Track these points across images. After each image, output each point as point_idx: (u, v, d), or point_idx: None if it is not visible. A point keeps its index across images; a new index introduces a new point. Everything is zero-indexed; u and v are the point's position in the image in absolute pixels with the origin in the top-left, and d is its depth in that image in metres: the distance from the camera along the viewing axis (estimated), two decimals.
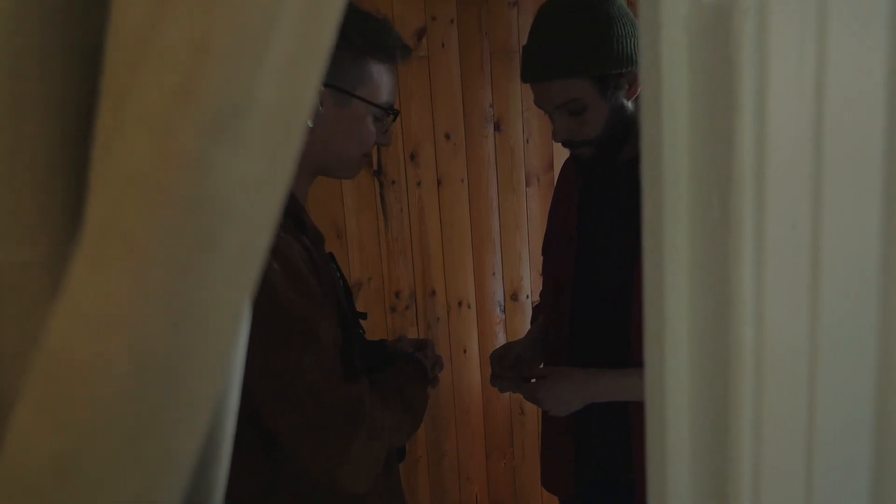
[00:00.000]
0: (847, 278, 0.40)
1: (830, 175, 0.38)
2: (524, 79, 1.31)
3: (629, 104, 1.29)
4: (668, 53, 0.37)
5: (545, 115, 1.36)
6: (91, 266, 0.31)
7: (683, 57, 0.38)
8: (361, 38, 1.07)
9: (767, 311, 0.39)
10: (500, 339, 2.48)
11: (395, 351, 1.36)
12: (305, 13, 0.31)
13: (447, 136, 2.33)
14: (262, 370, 0.97)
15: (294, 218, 1.10)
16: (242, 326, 0.41)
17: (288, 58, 0.31)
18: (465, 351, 2.46)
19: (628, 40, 1.23)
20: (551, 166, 2.40)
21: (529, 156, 2.40)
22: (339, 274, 1.25)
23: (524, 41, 1.32)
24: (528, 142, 2.39)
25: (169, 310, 0.31)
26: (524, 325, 2.45)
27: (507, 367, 1.48)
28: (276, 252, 1.00)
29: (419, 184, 2.33)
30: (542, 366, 1.55)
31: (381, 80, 1.12)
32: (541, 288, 1.66)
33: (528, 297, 2.48)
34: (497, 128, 2.36)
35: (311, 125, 1.08)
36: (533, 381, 1.38)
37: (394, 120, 1.19)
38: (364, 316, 1.31)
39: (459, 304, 2.43)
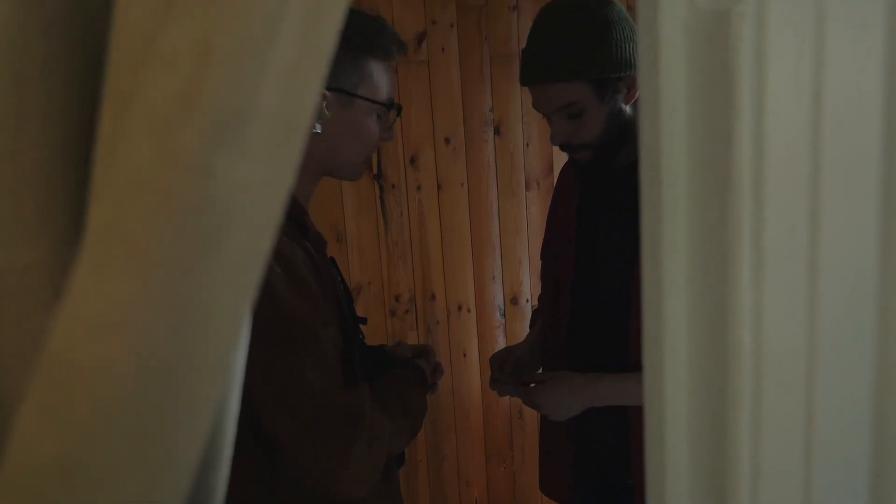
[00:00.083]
0: (845, 280, 0.40)
1: (828, 178, 0.38)
2: (523, 82, 1.31)
3: (627, 108, 1.29)
4: (666, 57, 0.38)
5: (544, 119, 1.36)
6: (93, 269, 0.31)
7: (682, 61, 0.38)
8: (359, 38, 1.07)
9: (766, 314, 0.39)
10: (500, 343, 2.48)
11: (394, 356, 1.36)
12: (307, 18, 0.31)
13: (447, 141, 2.33)
14: (263, 374, 0.97)
15: (297, 222, 1.10)
16: (243, 329, 0.41)
17: (290, 63, 0.31)
18: (464, 355, 2.45)
19: (627, 44, 1.23)
20: (551, 170, 2.40)
21: (529, 160, 2.40)
22: (340, 278, 1.25)
23: (524, 45, 1.32)
24: (528, 146, 2.39)
25: (171, 312, 0.32)
26: (524, 329, 2.45)
27: (508, 372, 1.48)
28: (279, 256, 1.00)
29: (419, 188, 2.34)
30: (541, 370, 1.55)
31: (381, 77, 1.13)
32: (540, 292, 1.66)
33: (528, 301, 2.48)
34: (497, 132, 2.36)
35: (319, 130, 1.08)
36: (532, 385, 1.38)
37: (398, 115, 1.19)
38: (364, 321, 1.31)
39: (459, 307, 2.43)
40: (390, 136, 1.19)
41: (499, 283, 2.45)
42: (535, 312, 1.76)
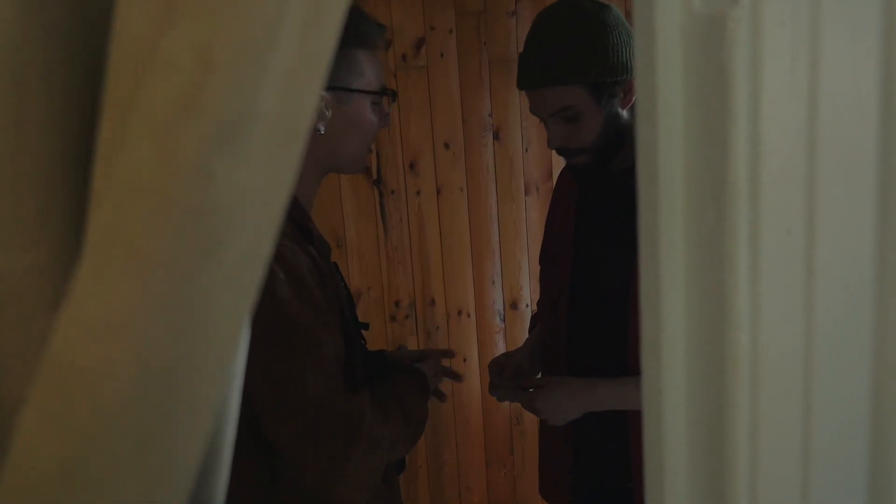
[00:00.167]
0: (841, 282, 0.40)
1: (824, 180, 0.39)
2: (520, 85, 1.32)
3: (624, 113, 1.29)
4: (663, 62, 0.38)
5: (543, 125, 1.36)
6: (94, 272, 0.31)
7: (678, 64, 0.38)
8: (345, 32, 1.06)
9: (763, 316, 0.39)
10: (500, 348, 2.48)
11: (395, 361, 1.35)
12: (307, 23, 0.31)
13: (446, 146, 2.33)
14: (263, 379, 0.97)
15: (301, 227, 1.10)
16: (244, 332, 0.42)
17: (290, 68, 0.31)
18: (464, 360, 2.45)
19: (623, 49, 1.24)
20: (550, 175, 2.41)
21: (528, 165, 2.41)
22: (343, 284, 1.25)
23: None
24: (526, 151, 2.40)
25: (171, 315, 0.32)
26: (524, 333, 2.45)
27: (507, 378, 1.48)
28: (282, 261, 1.00)
29: (418, 193, 2.34)
30: (539, 375, 1.55)
31: (370, 66, 1.13)
32: (539, 296, 1.66)
33: (527, 305, 2.48)
34: (496, 137, 2.37)
35: (322, 131, 1.08)
36: (531, 390, 1.38)
37: (393, 100, 1.20)
38: (366, 326, 1.31)
39: (459, 312, 2.43)
40: (388, 123, 1.20)
41: (498, 288, 2.45)
42: (534, 317, 1.76)
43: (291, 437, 1.00)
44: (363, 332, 1.29)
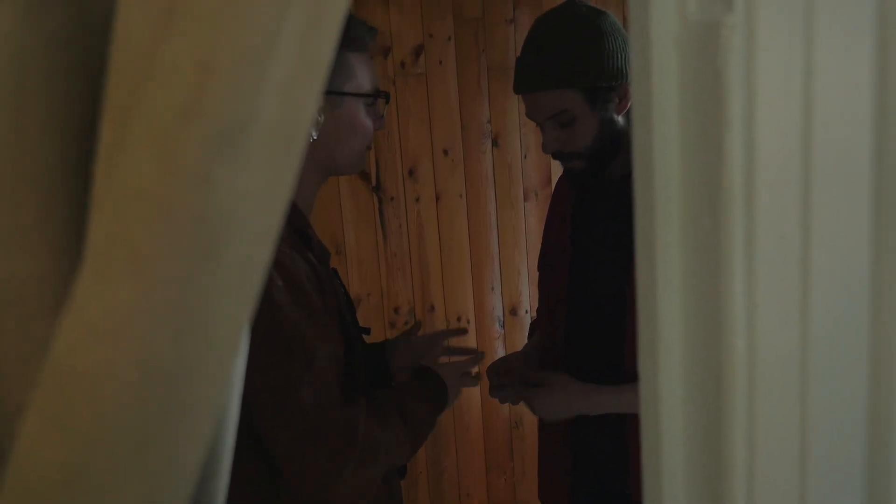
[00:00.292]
0: (837, 287, 0.40)
1: (819, 186, 0.39)
2: (516, 90, 1.33)
3: (619, 118, 1.30)
4: (658, 68, 0.38)
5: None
6: (96, 278, 0.32)
7: (673, 71, 0.38)
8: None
9: (759, 321, 0.39)
10: (500, 354, 2.48)
11: (415, 366, 1.34)
12: (306, 31, 0.32)
13: (445, 152, 2.34)
14: (261, 386, 0.97)
15: (300, 233, 1.11)
16: (243, 337, 0.42)
17: (289, 75, 0.32)
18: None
19: (619, 55, 1.25)
20: (549, 181, 2.41)
21: (527, 171, 2.41)
22: (343, 290, 1.25)
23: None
24: (525, 157, 2.40)
25: (172, 320, 0.32)
26: (523, 340, 2.45)
27: (505, 375, 1.48)
28: (280, 267, 1.00)
29: (418, 199, 2.34)
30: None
31: (362, 69, 1.13)
32: (538, 303, 1.66)
33: (527, 311, 2.48)
34: (495, 143, 2.37)
35: (315, 137, 1.08)
36: (531, 386, 1.38)
37: (387, 102, 1.20)
38: (367, 331, 1.31)
39: (458, 319, 2.43)
40: (383, 125, 1.20)
41: (498, 294, 2.45)
42: (533, 323, 1.76)
43: (285, 446, 1.00)
44: (364, 337, 1.29)
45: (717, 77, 0.37)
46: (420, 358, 1.46)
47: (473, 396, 2.48)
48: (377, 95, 1.16)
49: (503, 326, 2.48)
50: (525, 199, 2.43)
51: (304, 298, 1.01)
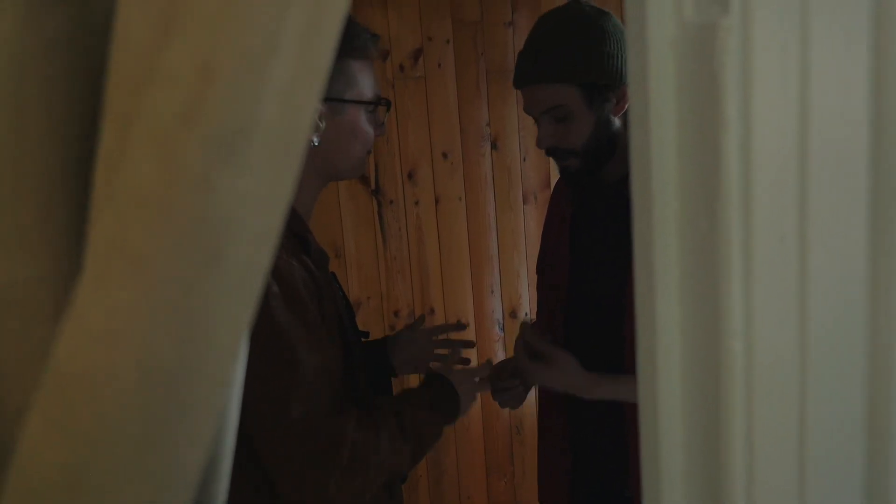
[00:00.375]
0: (834, 288, 0.41)
1: (816, 188, 0.39)
2: (515, 83, 1.33)
3: (616, 120, 1.30)
4: (655, 70, 0.38)
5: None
6: (97, 281, 0.32)
7: (670, 74, 0.39)
8: (338, 43, 1.06)
9: (757, 324, 0.40)
10: (500, 357, 2.48)
11: (416, 361, 1.32)
12: (305, 36, 0.32)
13: (444, 155, 2.34)
14: (251, 394, 0.96)
15: (299, 238, 1.10)
16: (243, 341, 0.42)
17: (289, 79, 0.32)
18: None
19: (619, 57, 1.25)
20: (548, 184, 2.41)
21: (526, 174, 2.42)
22: (342, 294, 1.25)
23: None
24: (524, 160, 2.40)
25: (173, 324, 0.32)
26: None
27: (507, 378, 1.48)
28: (276, 274, 1.00)
29: (417, 203, 2.35)
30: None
31: (364, 76, 1.13)
32: (537, 306, 1.66)
33: (526, 314, 2.48)
34: (494, 146, 2.37)
35: (316, 143, 1.08)
36: (534, 362, 1.38)
37: (388, 110, 1.20)
38: (366, 335, 1.31)
39: (458, 321, 2.43)
40: (383, 132, 1.20)
41: (497, 297, 2.45)
42: (532, 326, 1.76)
43: (275, 456, 1.01)
44: (364, 340, 1.29)
45: (713, 79, 0.37)
46: (421, 352, 1.45)
47: None
48: (378, 103, 1.16)
49: (503, 329, 2.48)
50: (524, 202, 2.43)
51: (298, 306, 1.01)
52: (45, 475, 0.33)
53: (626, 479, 1.36)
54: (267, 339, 0.96)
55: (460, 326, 1.49)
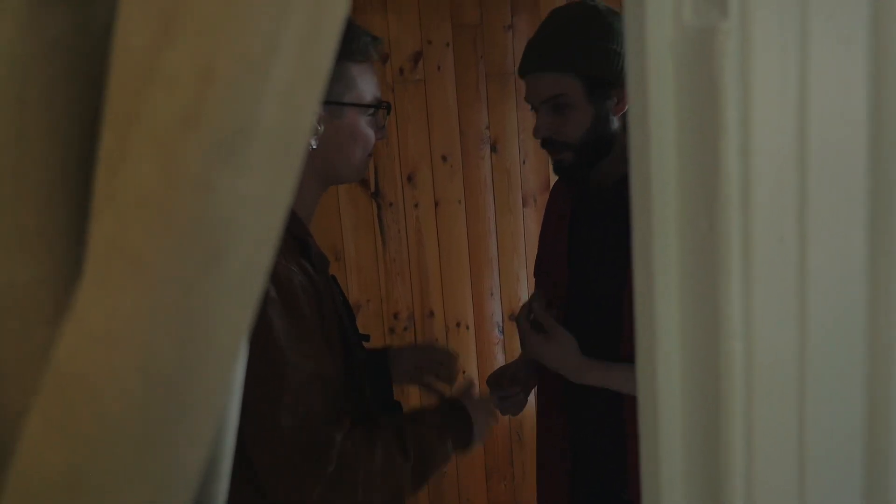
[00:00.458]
0: (834, 289, 0.41)
1: (815, 189, 0.39)
2: (520, 71, 1.34)
3: (615, 120, 1.31)
4: (654, 72, 0.39)
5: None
6: (97, 284, 0.32)
7: (669, 76, 0.39)
8: (338, 45, 1.05)
9: (756, 324, 0.40)
10: (499, 360, 2.48)
11: (443, 400, 1.28)
12: (305, 39, 0.32)
13: (444, 158, 2.34)
14: (245, 397, 0.95)
15: (299, 241, 1.10)
16: (243, 343, 0.42)
17: (289, 82, 0.32)
18: (463, 372, 2.45)
19: (624, 56, 1.26)
20: (548, 187, 2.42)
21: (526, 177, 2.42)
22: (342, 298, 1.25)
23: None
24: (524, 163, 2.41)
25: (174, 326, 0.32)
26: None
27: (507, 387, 1.48)
28: (275, 279, 1.00)
29: (416, 205, 2.35)
30: (534, 383, 1.55)
31: (364, 79, 1.13)
32: None
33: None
34: (493, 149, 2.38)
35: (315, 146, 1.08)
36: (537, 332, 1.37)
37: (388, 113, 1.20)
38: (367, 338, 1.30)
39: (458, 325, 2.43)
40: (384, 135, 1.20)
41: (497, 300, 2.45)
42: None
43: (263, 462, 1.00)
44: (364, 343, 1.29)
45: (712, 81, 0.37)
46: (420, 366, 1.45)
47: None
48: (378, 106, 1.15)
49: (502, 332, 2.48)
50: (524, 205, 2.43)
51: (296, 311, 1.01)
52: (45, 476, 0.33)
53: (625, 481, 1.36)
54: (262, 344, 0.96)
55: (453, 358, 1.48)
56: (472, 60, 2.31)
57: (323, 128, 1.08)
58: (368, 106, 1.13)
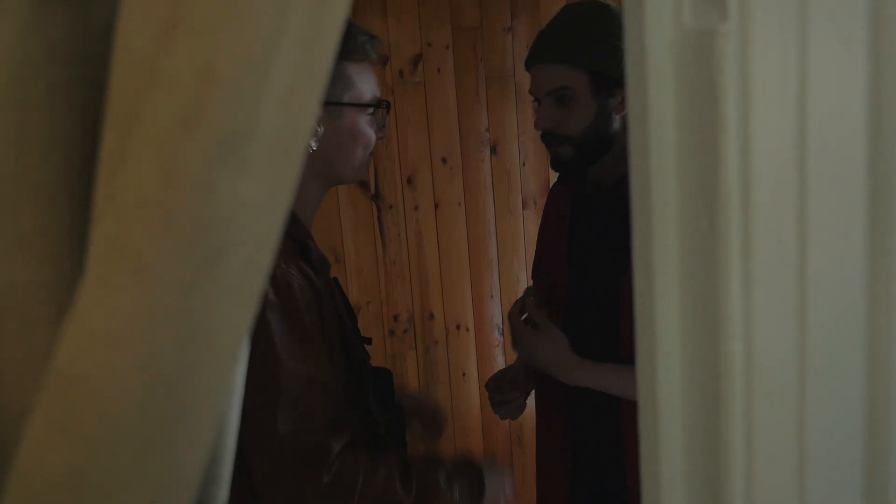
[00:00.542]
0: (833, 290, 0.41)
1: (815, 191, 0.39)
2: (527, 62, 1.34)
3: (617, 119, 1.31)
4: (654, 73, 0.39)
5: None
6: (99, 285, 0.32)
7: (669, 78, 0.39)
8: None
9: (756, 325, 0.40)
10: (499, 363, 2.48)
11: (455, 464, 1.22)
12: (305, 40, 0.32)
13: (444, 160, 2.34)
14: (244, 402, 0.94)
15: (299, 244, 1.09)
16: (244, 344, 0.42)
17: (289, 83, 0.32)
18: (463, 374, 2.45)
19: None
20: (547, 189, 2.42)
21: (526, 179, 2.42)
22: (344, 300, 1.24)
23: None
24: (524, 165, 2.41)
25: (175, 327, 0.32)
26: None
27: (507, 391, 1.48)
28: (274, 283, 0.99)
29: (416, 207, 2.35)
30: (532, 390, 1.55)
31: (362, 79, 1.12)
32: None
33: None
34: (493, 151, 2.38)
35: (315, 147, 1.08)
36: (530, 328, 1.37)
37: (387, 111, 1.19)
38: (369, 341, 1.30)
39: (458, 327, 2.43)
40: (385, 134, 1.19)
41: (497, 302, 2.45)
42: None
43: (258, 466, 0.99)
44: (367, 346, 1.28)
45: (712, 83, 0.37)
46: (408, 412, 1.40)
47: (473, 405, 2.48)
48: (377, 105, 1.15)
49: (502, 334, 2.48)
50: (524, 207, 2.43)
51: (295, 315, 1.00)
52: (46, 476, 0.33)
53: (624, 482, 1.36)
54: (261, 348, 0.95)
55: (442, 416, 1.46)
56: (472, 63, 2.31)
57: (322, 129, 1.08)
58: (367, 105, 1.13)
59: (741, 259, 0.39)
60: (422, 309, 2.39)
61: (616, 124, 1.31)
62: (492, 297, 2.44)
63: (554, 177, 2.41)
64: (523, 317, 1.38)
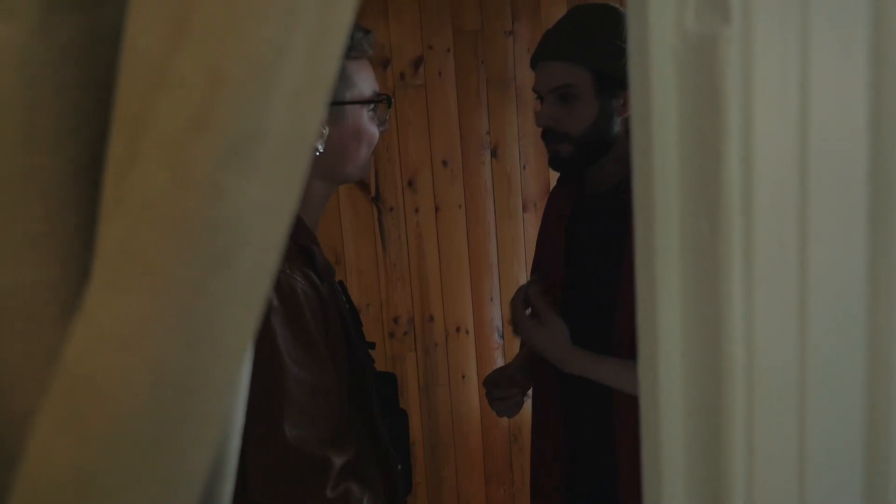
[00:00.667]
0: (834, 294, 0.41)
1: (816, 195, 0.40)
2: (533, 60, 1.34)
3: (618, 121, 1.31)
4: (656, 78, 0.39)
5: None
6: (107, 286, 0.32)
7: (672, 83, 0.39)
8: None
9: (757, 329, 0.40)
10: (499, 365, 2.48)
11: None
12: (312, 44, 0.33)
13: (444, 163, 2.35)
14: (248, 409, 0.93)
15: (304, 249, 1.09)
16: (250, 345, 0.42)
17: (297, 85, 0.32)
18: (463, 377, 2.45)
19: None
20: (548, 192, 2.42)
21: (526, 182, 2.42)
22: (349, 305, 1.24)
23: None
24: (524, 168, 2.41)
25: (183, 328, 0.33)
26: None
27: (504, 388, 1.48)
28: (278, 288, 0.99)
29: (417, 210, 2.35)
30: (530, 386, 1.55)
31: (361, 75, 1.12)
32: None
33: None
34: (494, 154, 2.38)
35: (321, 150, 1.07)
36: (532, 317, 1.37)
37: (389, 106, 1.19)
38: (372, 346, 1.29)
39: (458, 329, 2.43)
40: (387, 128, 1.19)
41: (497, 305, 2.45)
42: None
43: (257, 472, 0.98)
44: (370, 351, 1.28)
45: (714, 88, 0.38)
46: None
47: (472, 408, 2.48)
48: (378, 100, 1.15)
49: (502, 336, 2.48)
50: (524, 210, 2.43)
51: (299, 320, 1.00)
52: (54, 476, 0.33)
53: (618, 484, 1.36)
54: (264, 353, 0.95)
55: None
56: (473, 66, 2.32)
57: (328, 130, 1.08)
58: (369, 101, 1.13)
59: (742, 262, 0.39)
60: (422, 311, 2.40)
61: (617, 126, 1.31)
62: (492, 299, 2.44)
63: (554, 180, 2.41)
64: (527, 310, 1.38)
